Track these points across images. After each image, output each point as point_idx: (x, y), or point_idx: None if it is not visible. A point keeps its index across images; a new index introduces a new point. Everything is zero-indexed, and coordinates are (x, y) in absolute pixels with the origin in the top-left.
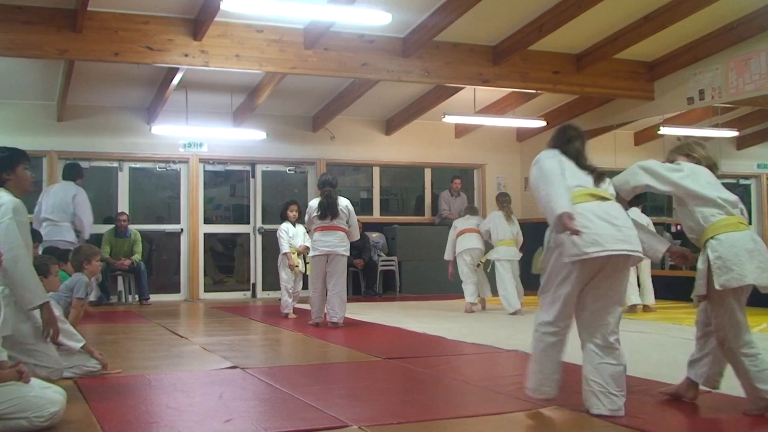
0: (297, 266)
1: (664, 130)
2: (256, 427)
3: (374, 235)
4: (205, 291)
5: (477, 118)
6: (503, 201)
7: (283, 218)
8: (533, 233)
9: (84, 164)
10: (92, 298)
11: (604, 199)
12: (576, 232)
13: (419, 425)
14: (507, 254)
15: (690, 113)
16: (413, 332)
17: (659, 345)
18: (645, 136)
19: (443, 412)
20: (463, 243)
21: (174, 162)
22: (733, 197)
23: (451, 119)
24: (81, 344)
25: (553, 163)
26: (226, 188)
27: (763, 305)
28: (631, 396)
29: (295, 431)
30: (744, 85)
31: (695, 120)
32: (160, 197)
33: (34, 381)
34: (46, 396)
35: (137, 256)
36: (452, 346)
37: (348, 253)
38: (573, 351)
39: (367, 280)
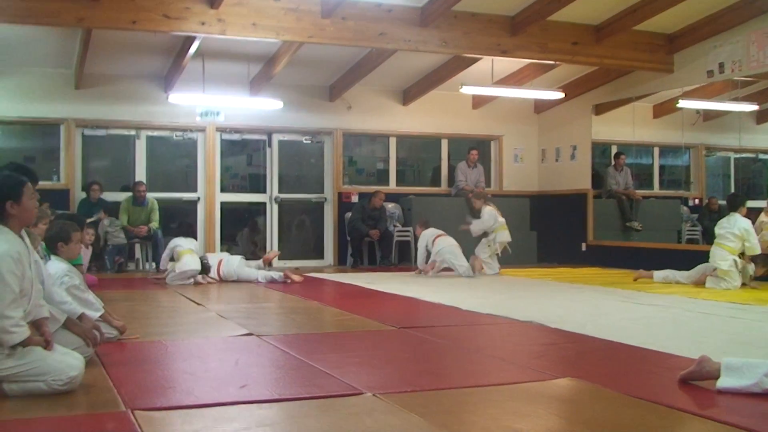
0: None
1: (682, 103)
2: (271, 392)
3: (390, 206)
4: None
5: (494, 89)
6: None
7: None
8: (547, 204)
9: (101, 132)
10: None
11: None
12: None
13: (433, 393)
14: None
15: (709, 86)
16: (428, 302)
17: (672, 319)
18: (664, 109)
19: (457, 381)
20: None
21: (191, 131)
22: None
23: (468, 90)
24: (99, 313)
25: None
26: (243, 157)
27: None
28: (646, 370)
29: (309, 397)
30: (765, 58)
31: (714, 93)
32: (177, 166)
33: (54, 346)
34: (65, 361)
35: (154, 224)
36: (467, 316)
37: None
38: (588, 326)
39: (382, 250)
